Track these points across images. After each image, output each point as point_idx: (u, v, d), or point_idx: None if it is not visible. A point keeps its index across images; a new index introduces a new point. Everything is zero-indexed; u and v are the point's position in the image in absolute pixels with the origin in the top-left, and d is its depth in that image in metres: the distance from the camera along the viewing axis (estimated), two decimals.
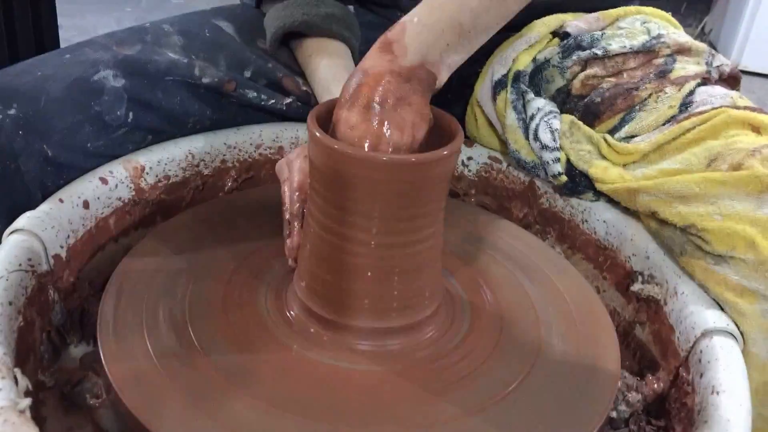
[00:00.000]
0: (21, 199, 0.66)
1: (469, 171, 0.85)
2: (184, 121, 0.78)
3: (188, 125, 0.78)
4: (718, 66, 0.77)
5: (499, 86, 0.79)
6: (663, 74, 0.75)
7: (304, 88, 0.83)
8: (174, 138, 0.77)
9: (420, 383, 0.54)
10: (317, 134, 0.53)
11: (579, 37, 0.79)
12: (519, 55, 0.79)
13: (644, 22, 0.80)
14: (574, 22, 0.81)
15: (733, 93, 0.73)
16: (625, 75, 0.76)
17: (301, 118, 0.84)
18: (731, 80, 0.78)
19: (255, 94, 0.81)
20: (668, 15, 0.83)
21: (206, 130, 0.80)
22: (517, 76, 0.78)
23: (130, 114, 0.73)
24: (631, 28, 0.80)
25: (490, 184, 0.84)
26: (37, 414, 0.52)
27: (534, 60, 0.79)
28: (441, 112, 0.59)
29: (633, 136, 0.73)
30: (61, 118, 0.68)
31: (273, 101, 0.82)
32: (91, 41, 0.76)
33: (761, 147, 0.62)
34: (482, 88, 0.83)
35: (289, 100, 0.83)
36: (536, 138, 0.75)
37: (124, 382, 0.51)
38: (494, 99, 0.80)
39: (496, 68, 0.80)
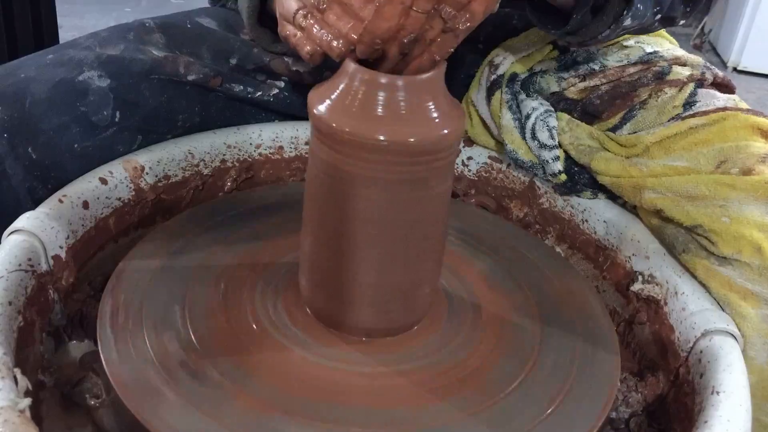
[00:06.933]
0: (8, 203, 0.65)
1: (469, 171, 0.85)
2: (173, 119, 0.77)
3: (178, 123, 0.78)
4: (711, 69, 0.78)
5: (494, 87, 0.79)
6: (660, 76, 0.76)
7: (294, 68, 0.82)
8: (165, 138, 0.77)
9: (420, 384, 0.54)
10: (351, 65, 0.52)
11: (576, 53, 0.80)
12: (517, 60, 0.80)
13: (638, 41, 0.82)
14: None
15: (734, 96, 0.75)
16: (622, 80, 0.77)
17: (288, 110, 0.84)
18: (723, 88, 0.79)
19: (241, 87, 0.80)
20: (662, 31, 0.85)
21: (197, 127, 0.79)
22: (513, 78, 0.79)
23: (117, 113, 0.72)
24: (626, 45, 0.81)
25: (490, 184, 0.84)
26: (37, 414, 0.52)
27: (530, 69, 0.80)
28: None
29: (636, 132, 0.73)
30: (47, 120, 0.68)
31: (260, 93, 0.81)
32: (74, 42, 0.76)
33: None
34: (477, 90, 0.83)
35: (275, 91, 0.82)
36: (534, 137, 0.75)
37: (124, 382, 0.51)
38: (489, 99, 0.80)
39: (492, 69, 0.80)
